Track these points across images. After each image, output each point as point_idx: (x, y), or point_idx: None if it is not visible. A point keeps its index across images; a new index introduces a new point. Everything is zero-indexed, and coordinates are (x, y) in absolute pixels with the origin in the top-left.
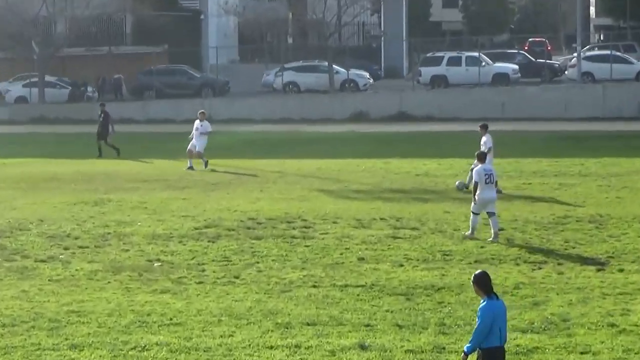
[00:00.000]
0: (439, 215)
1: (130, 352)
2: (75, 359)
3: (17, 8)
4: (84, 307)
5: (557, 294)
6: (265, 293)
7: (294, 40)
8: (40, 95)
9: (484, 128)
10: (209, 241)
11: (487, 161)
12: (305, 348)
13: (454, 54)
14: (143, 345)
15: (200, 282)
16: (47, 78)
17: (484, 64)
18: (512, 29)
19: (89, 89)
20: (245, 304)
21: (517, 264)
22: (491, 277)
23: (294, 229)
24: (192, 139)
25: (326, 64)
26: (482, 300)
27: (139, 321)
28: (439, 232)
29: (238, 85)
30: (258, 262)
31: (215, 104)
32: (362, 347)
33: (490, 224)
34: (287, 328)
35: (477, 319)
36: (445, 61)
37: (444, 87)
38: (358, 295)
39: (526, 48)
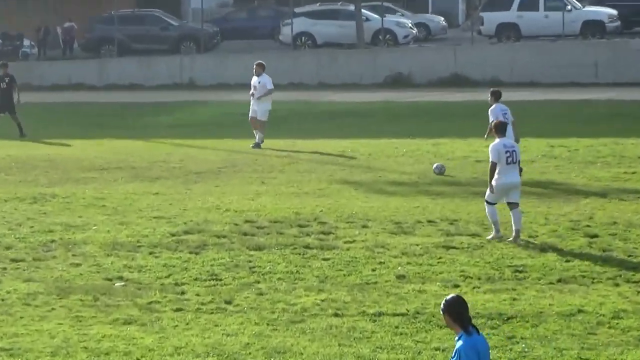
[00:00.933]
0: (508, 216)
1: None
2: None
3: None
4: (19, 343)
5: None
6: (268, 324)
7: None
8: None
9: (495, 96)
10: (190, 252)
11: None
12: None
13: None
14: None
15: (178, 310)
16: None
17: (569, 7)
18: None
19: (26, 42)
20: (241, 340)
21: (617, 285)
22: (468, 304)
23: (308, 235)
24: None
25: (352, 7)
26: (457, 337)
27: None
28: (509, 240)
29: (232, 37)
30: (258, 282)
31: (199, 64)
32: None
33: (512, 218)
34: None
35: None
36: (516, 4)
37: (515, 39)
38: (397, 327)
39: None
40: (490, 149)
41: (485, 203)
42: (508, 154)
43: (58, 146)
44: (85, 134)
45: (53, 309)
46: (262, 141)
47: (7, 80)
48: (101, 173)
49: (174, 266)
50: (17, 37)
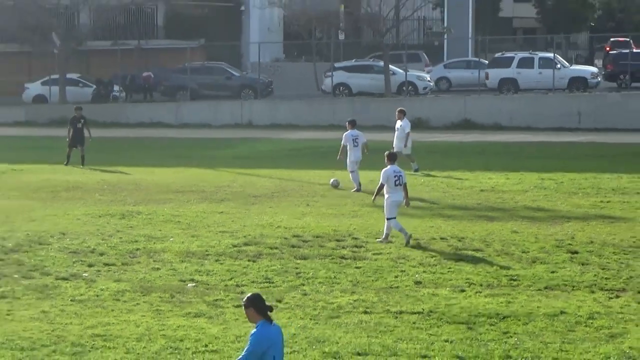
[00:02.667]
0: (505, 235)
1: None
2: None
3: None
4: (110, 330)
5: (637, 326)
6: (311, 319)
7: (346, 37)
8: (61, 94)
9: (351, 124)
10: (249, 260)
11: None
12: None
13: (526, 54)
14: None
15: (238, 306)
16: (69, 75)
17: (559, 66)
18: (591, 27)
19: (116, 87)
20: (289, 331)
21: (592, 292)
22: (265, 299)
23: (343, 248)
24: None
25: (381, 64)
26: (256, 326)
27: (171, 347)
28: (505, 255)
29: (282, 86)
30: (303, 285)
31: (256, 107)
32: None
33: (385, 225)
34: (335, 358)
35: (247, 345)
36: (515, 62)
37: (514, 92)
38: (414, 322)
39: (607, 49)
40: (382, 173)
41: (387, 220)
42: (396, 178)
43: (142, 174)
44: (164, 164)
45: (137, 304)
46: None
47: (82, 122)
48: (177, 195)
49: (235, 271)
50: (109, 83)
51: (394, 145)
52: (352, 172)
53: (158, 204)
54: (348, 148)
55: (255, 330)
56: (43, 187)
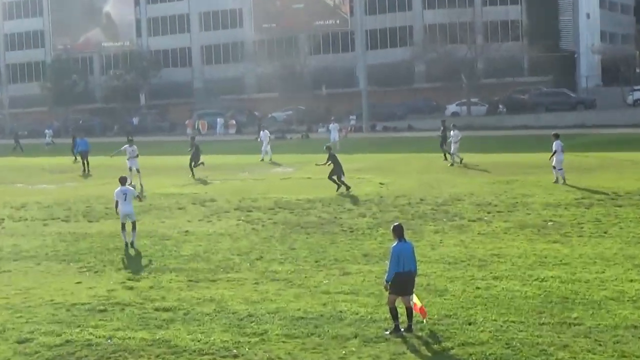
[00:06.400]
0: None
1: (534, 282)
2: (497, 286)
3: (451, 52)
4: (502, 251)
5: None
6: (626, 243)
7: None
8: (467, 110)
9: (455, 127)
10: (585, 208)
11: None
12: None
13: None
14: (542, 277)
15: (580, 236)
16: (472, 99)
17: None
18: None
19: (500, 106)
20: (612, 251)
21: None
22: (404, 228)
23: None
24: None
25: None
26: (395, 243)
27: (539, 262)
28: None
29: (601, 101)
30: (620, 222)
31: (586, 115)
32: None
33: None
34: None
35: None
36: None
37: None
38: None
39: None
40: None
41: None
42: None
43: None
44: (524, 150)
45: (518, 235)
46: None
47: (443, 129)
48: (536, 170)
49: (576, 214)
50: (496, 103)
51: None
52: None
53: (527, 175)
54: None
55: (393, 246)
56: (424, 168)
